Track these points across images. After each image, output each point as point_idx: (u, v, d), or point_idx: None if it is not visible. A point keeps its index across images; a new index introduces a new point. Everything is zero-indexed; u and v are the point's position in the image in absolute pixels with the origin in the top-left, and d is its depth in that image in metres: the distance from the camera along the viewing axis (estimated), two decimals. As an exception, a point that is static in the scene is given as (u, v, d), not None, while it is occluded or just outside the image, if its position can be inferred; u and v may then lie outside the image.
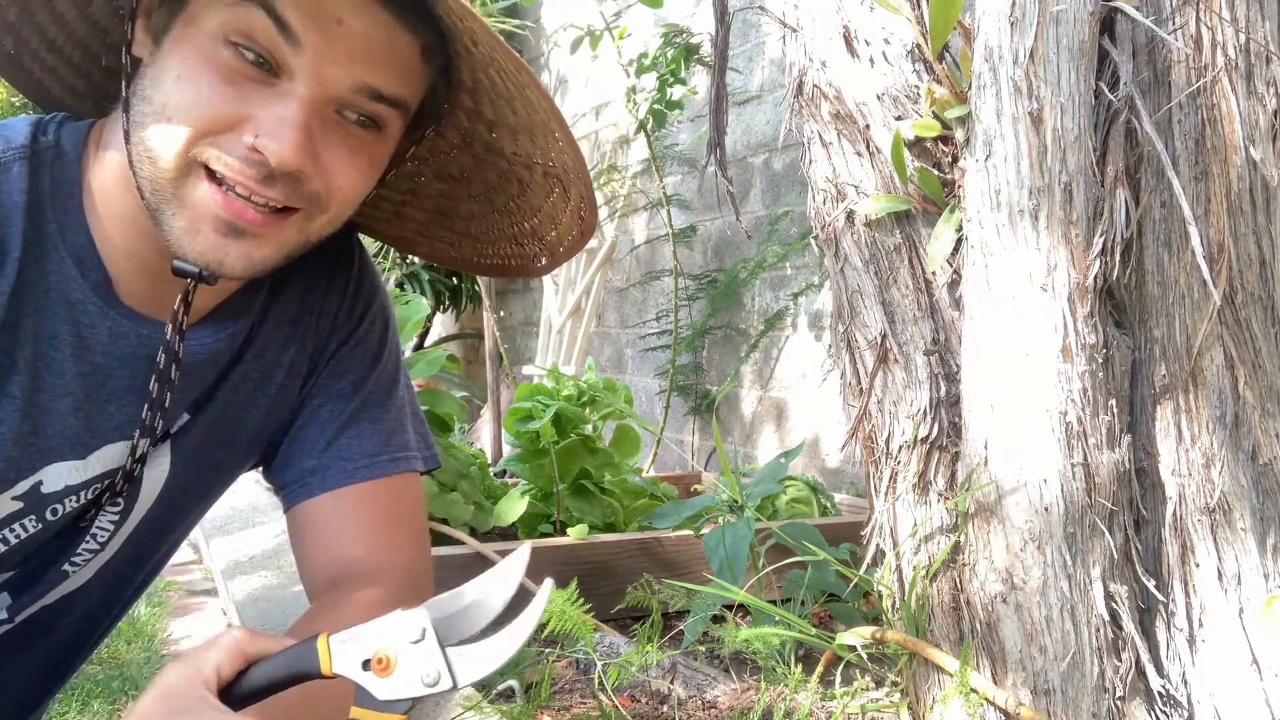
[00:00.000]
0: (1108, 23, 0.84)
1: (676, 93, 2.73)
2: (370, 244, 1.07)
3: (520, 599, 0.69)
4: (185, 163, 0.73)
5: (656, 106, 2.71)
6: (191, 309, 0.86)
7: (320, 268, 0.97)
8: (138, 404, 0.85)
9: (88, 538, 0.91)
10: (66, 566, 0.91)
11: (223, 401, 0.93)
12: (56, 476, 0.83)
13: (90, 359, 0.82)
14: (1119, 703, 0.83)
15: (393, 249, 1.13)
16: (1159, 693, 0.84)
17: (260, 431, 0.97)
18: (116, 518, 0.92)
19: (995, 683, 0.87)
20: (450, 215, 1.00)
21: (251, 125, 0.72)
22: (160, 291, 0.82)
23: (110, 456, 0.86)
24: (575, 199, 0.88)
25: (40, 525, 0.86)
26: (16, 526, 0.84)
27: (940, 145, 0.97)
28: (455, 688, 0.66)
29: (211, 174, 0.74)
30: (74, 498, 0.86)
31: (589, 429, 1.71)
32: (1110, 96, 0.83)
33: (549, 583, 0.71)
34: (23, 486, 0.81)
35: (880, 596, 1.01)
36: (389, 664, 0.66)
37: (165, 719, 0.62)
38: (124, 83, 0.77)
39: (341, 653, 0.66)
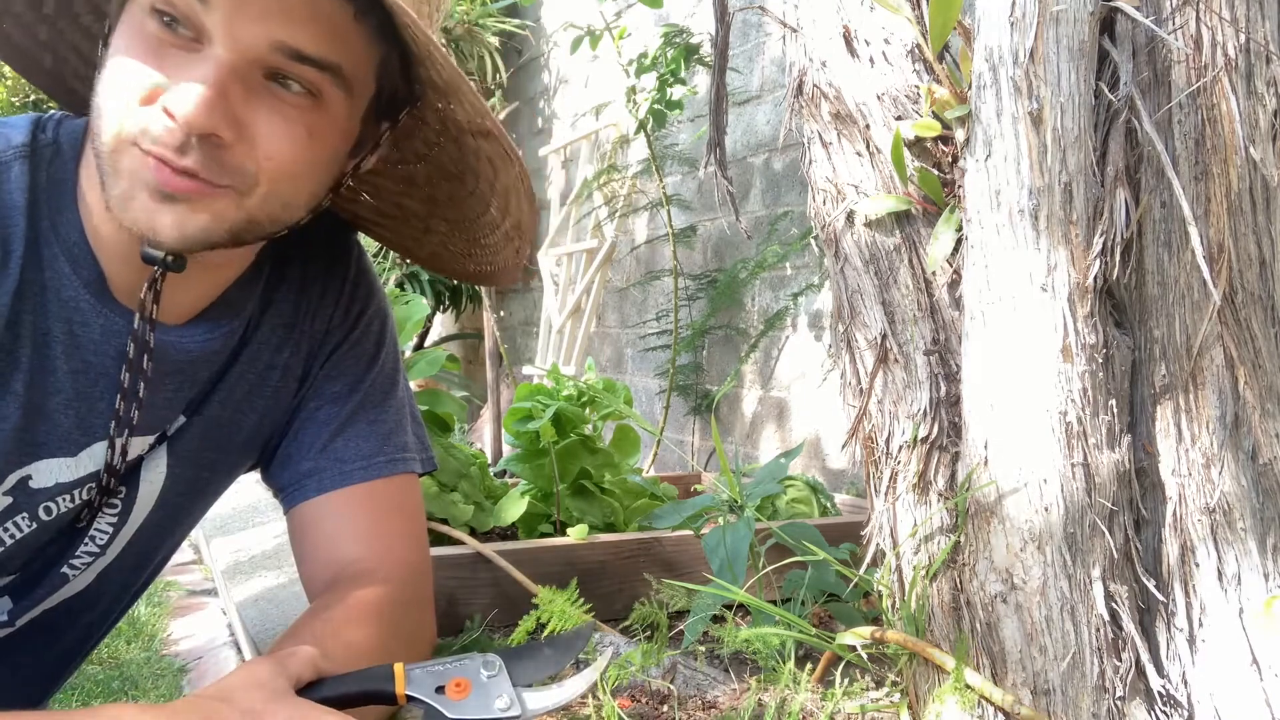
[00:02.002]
0: (1108, 23, 0.84)
1: (676, 93, 2.73)
2: (370, 244, 1.07)
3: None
4: (119, 142, 0.73)
5: (656, 106, 2.71)
6: (184, 306, 0.86)
7: (316, 270, 0.97)
8: (130, 400, 0.85)
9: (86, 540, 0.91)
10: (66, 569, 0.91)
11: (218, 403, 0.93)
12: (47, 472, 0.83)
13: (82, 356, 0.82)
14: (1119, 703, 0.83)
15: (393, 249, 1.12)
16: (1159, 693, 0.84)
17: (256, 433, 0.97)
18: (115, 519, 0.92)
19: (995, 682, 0.87)
20: (462, 221, 1.00)
21: (167, 92, 0.72)
22: (143, 285, 0.82)
23: (102, 454, 0.86)
24: (515, 160, 0.87)
25: (35, 525, 0.85)
26: (10, 525, 0.84)
27: (940, 145, 0.97)
28: (522, 717, 0.71)
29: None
30: (67, 496, 0.86)
31: (589, 429, 1.71)
32: (1110, 96, 0.83)
33: (606, 655, 0.76)
34: (11, 480, 0.82)
35: (880, 596, 1.00)
36: (466, 687, 0.71)
37: (255, 699, 0.65)
38: (98, 74, 0.78)
39: (415, 678, 0.71)
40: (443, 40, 0.82)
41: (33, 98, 6.55)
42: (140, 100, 0.72)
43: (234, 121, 0.73)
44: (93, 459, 0.85)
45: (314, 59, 0.75)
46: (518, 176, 0.88)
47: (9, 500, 0.82)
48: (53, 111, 0.85)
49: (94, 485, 0.87)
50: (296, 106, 0.76)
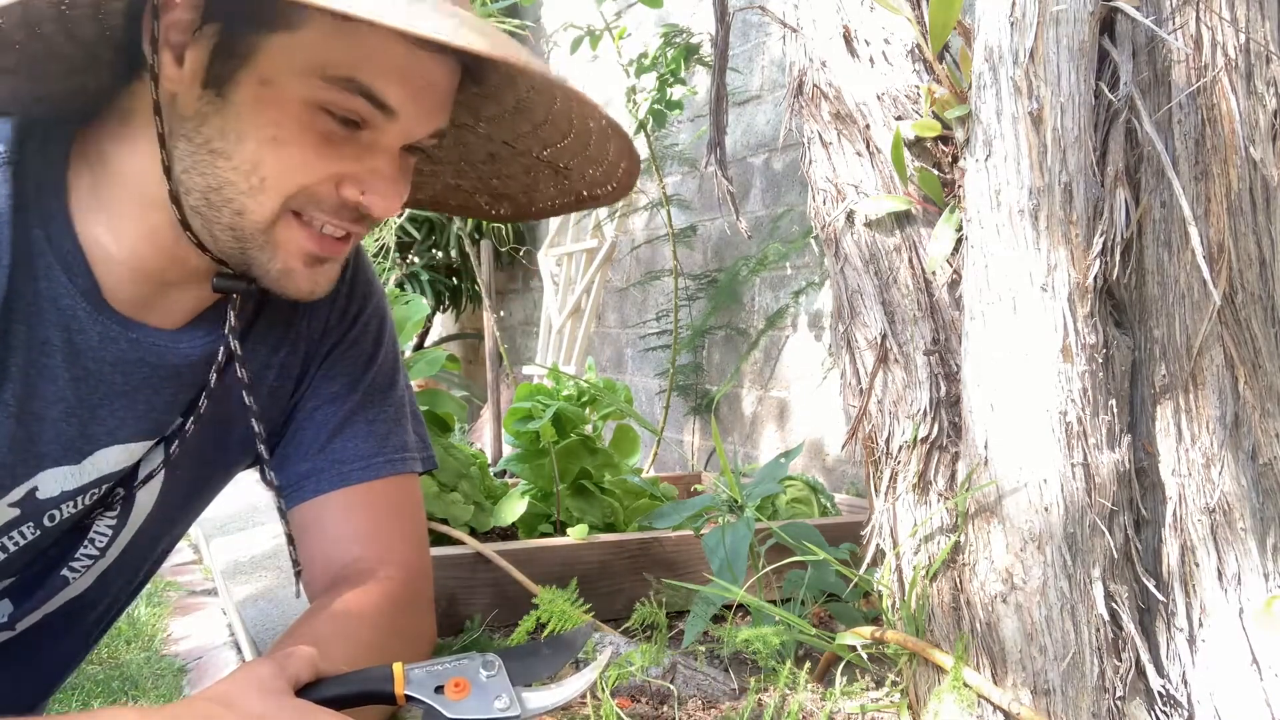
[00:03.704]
0: (1108, 23, 0.84)
1: (676, 93, 2.73)
2: (369, 244, 1.07)
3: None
4: (281, 216, 0.78)
5: (656, 106, 2.70)
6: (182, 311, 0.87)
7: None
8: (130, 408, 0.85)
9: (86, 543, 0.91)
10: (66, 572, 0.91)
11: (215, 404, 0.93)
12: (52, 482, 0.83)
13: (82, 364, 0.82)
14: (1119, 703, 0.83)
15: (393, 250, 1.12)
16: (1159, 693, 0.84)
17: (253, 434, 0.97)
18: (114, 522, 0.92)
19: (995, 682, 0.87)
20: (522, 154, 0.98)
21: (348, 181, 0.77)
22: (153, 296, 0.82)
23: (106, 461, 0.86)
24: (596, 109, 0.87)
25: (39, 532, 0.86)
26: (15, 534, 0.84)
27: (940, 145, 0.97)
28: (521, 717, 0.71)
29: (297, 215, 0.79)
30: (71, 503, 0.86)
31: (589, 429, 1.71)
32: (1110, 96, 0.83)
33: (605, 654, 0.77)
34: (18, 493, 0.82)
35: (880, 596, 1.00)
36: (465, 688, 0.71)
37: (254, 699, 0.66)
38: (157, 116, 0.77)
39: (414, 678, 0.72)
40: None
41: (33, 98, 6.51)
42: (317, 190, 0.77)
43: None
44: (96, 466, 0.85)
45: (440, 132, 0.82)
46: (605, 123, 0.88)
47: (15, 512, 0.82)
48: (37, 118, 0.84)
49: (96, 491, 0.87)
50: (411, 162, 0.84)
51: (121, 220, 0.80)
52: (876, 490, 1.00)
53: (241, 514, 2.61)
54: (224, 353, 0.91)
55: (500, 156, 0.96)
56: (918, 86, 0.98)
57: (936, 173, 0.96)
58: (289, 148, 0.74)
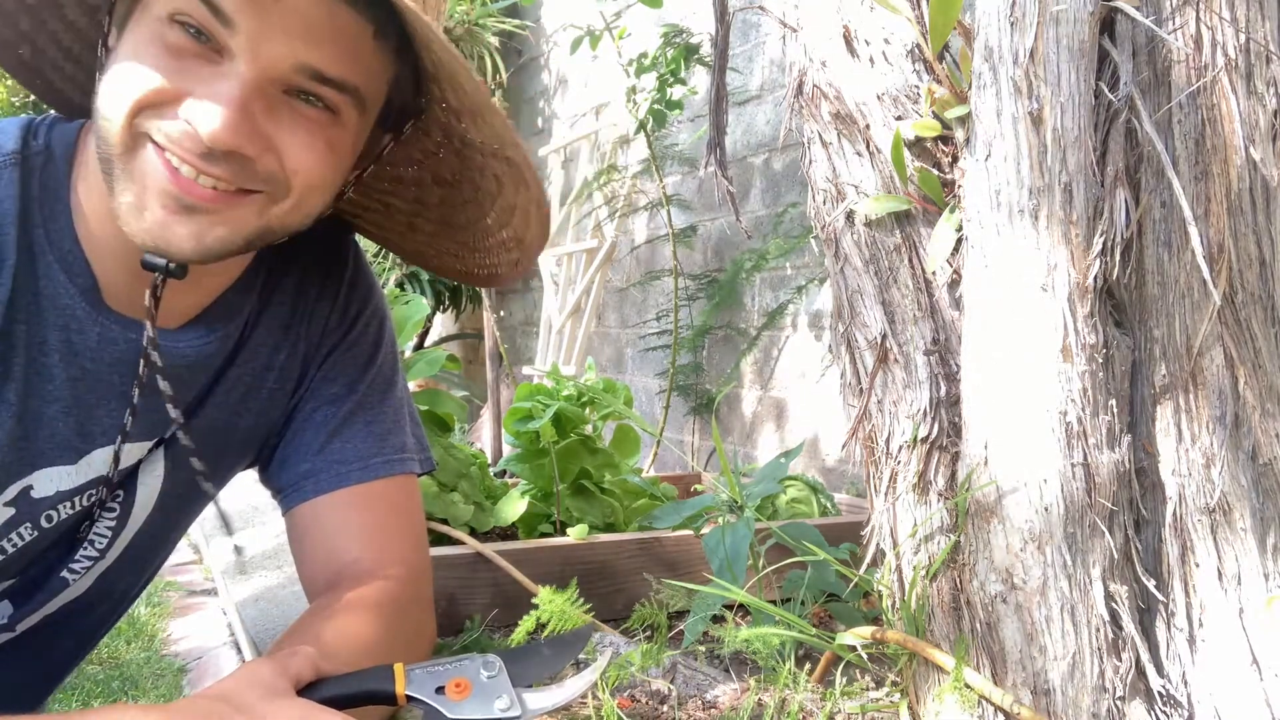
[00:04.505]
0: (1108, 23, 0.84)
1: (676, 93, 2.73)
2: (369, 245, 1.07)
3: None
4: (130, 134, 0.72)
5: (656, 106, 2.71)
6: (180, 310, 0.86)
7: (313, 271, 0.97)
8: (127, 407, 0.85)
9: (85, 544, 0.91)
10: (66, 574, 0.91)
11: (215, 406, 0.93)
12: (47, 481, 0.83)
13: (79, 364, 0.81)
14: (1119, 703, 0.83)
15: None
16: (1159, 693, 0.84)
17: (252, 435, 0.97)
18: (114, 523, 0.92)
19: (995, 682, 0.87)
20: (453, 225, 0.99)
21: (188, 102, 0.72)
22: (146, 293, 0.82)
23: (102, 461, 0.86)
24: (534, 186, 0.87)
25: (37, 533, 0.85)
26: (14, 535, 0.84)
27: (940, 145, 0.97)
28: (521, 717, 0.71)
29: (160, 148, 0.72)
30: (68, 504, 0.86)
31: (589, 429, 1.71)
32: (1110, 96, 0.83)
33: (606, 655, 0.77)
34: (12, 491, 0.81)
35: (880, 596, 1.00)
36: (466, 688, 0.71)
37: (256, 699, 0.65)
38: (99, 75, 0.77)
39: (415, 678, 0.72)
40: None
41: (33, 98, 6.54)
42: (156, 100, 0.72)
43: (258, 136, 0.73)
44: (92, 466, 0.85)
45: (335, 81, 0.75)
46: (534, 201, 0.88)
47: (11, 511, 0.82)
48: (44, 115, 0.84)
49: (94, 492, 0.87)
50: (316, 121, 0.77)
51: (102, 205, 0.79)
52: (876, 490, 1.00)
53: (241, 514, 2.61)
54: (223, 353, 0.91)
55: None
56: (918, 86, 0.98)
57: (936, 173, 0.96)
58: (135, 60, 0.72)
